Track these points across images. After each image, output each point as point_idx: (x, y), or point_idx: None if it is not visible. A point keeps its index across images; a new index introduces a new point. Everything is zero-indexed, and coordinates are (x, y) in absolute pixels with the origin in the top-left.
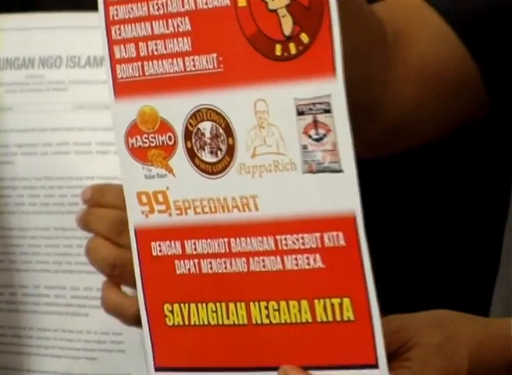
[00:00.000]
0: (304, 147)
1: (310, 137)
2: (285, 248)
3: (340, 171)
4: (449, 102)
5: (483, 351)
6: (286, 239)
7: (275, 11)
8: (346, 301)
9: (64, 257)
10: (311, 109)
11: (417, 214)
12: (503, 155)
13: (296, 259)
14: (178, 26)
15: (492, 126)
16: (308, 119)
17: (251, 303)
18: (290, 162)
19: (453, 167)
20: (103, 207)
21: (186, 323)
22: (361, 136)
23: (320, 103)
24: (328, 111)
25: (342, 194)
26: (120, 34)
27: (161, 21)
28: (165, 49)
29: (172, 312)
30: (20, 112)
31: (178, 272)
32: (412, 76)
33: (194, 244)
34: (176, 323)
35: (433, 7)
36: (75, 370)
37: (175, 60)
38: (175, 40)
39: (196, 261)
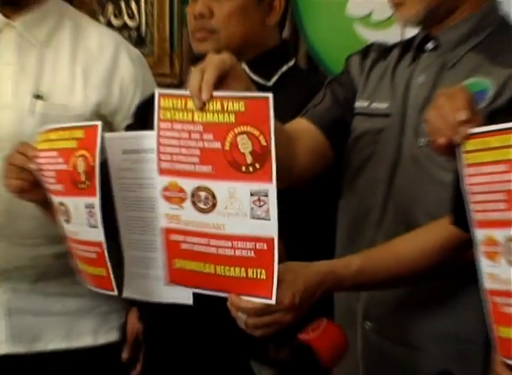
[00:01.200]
0: (252, 208)
1: (256, 205)
2: (236, 246)
3: (269, 220)
4: (320, 162)
5: (310, 280)
6: (238, 243)
7: (243, 152)
8: (263, 271)
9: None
10: (257, 194)
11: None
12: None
13: (241, 252)
14: (193, 153)
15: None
16: (255, 197)
17: (217, 266)
18: (244, 213)
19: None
20: None
21: (184, 268)
22: (284, 182)
23: (262, 191)
24: (266, 195)
25: (268, 228)
26: (165, 155)
27: (184, 150)
28: (186, 161)
29: (177, 263)
30: (136, 171)
31: (182, 248)
32: (304, 154)
33: (192, 239)
34: (178, 267)
35: (312, 122)
36: None
37: (191, 165)
38: (192, 157)
39: (191, 245)
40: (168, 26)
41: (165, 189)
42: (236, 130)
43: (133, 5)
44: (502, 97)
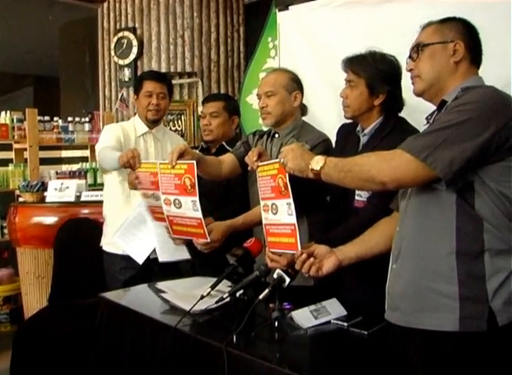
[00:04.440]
0: (192, 207)
1: (193, 205)
2: (190, 221)
3: (197, 211)
4: (233, 171)
5: (223, 229)
6: (191, 220)
7: (187, 184)
8: (201, 230)
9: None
10: (193, 201)
11: None
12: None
13: (192, 222)
14: (171, 185)
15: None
16: (193, 203)
17: (187, 228)
18: (189, 208)
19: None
20: None
21: (177, 229)
22: (217, 178)
23: (194, 200)
24: (196, 201)
25: (197, 214)
26: (163, 187)
27: (168, 184)
28: (170, 188)
29: (174, 228)
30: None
31: (174, 222)
32: (227, 168)
33: (177, 218)
34: (175, 229)
35: (234, 155)
36: None
37: (171, 190)
38: (171, 187)
39: (177, 220)
40: (192, 131)
41: (164, 200)
42: (184, 176)
43: (180, 122)
44: None
